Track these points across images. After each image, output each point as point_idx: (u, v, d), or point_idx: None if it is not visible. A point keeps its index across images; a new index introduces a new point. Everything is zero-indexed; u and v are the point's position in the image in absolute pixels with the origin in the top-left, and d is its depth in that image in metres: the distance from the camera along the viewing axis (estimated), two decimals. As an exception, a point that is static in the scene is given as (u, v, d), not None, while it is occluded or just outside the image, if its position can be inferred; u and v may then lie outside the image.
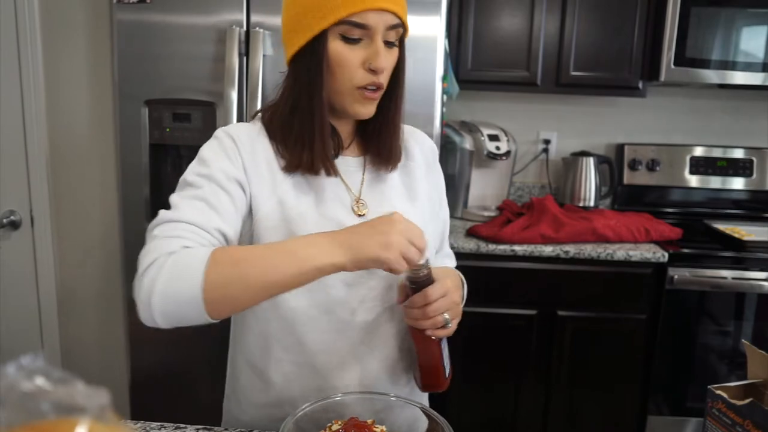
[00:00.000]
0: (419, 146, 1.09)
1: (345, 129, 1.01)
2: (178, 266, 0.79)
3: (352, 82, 0.90)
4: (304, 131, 0.92)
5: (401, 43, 0.94)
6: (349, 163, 1.00)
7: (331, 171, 0.95)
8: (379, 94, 0.93)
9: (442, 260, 1.16)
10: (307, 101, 0.91)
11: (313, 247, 0.80)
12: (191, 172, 0.91)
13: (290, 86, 0.93)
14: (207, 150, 0.93)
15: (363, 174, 1.01)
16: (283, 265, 0.79)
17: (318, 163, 0.93)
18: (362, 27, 0.87)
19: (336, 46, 0.88)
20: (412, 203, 1.03)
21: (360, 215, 0.97)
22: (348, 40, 0.88)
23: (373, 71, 0.89)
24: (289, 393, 0.99)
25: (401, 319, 0.99)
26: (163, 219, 0.85)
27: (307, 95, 0.90)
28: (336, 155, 0.99)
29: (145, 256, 0.84)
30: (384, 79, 0.92)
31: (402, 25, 0.91)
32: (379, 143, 0.99)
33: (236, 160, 0.91)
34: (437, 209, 1.10)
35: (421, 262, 0.85)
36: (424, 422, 0.90)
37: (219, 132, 0.95)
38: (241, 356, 1.03)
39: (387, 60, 0.90)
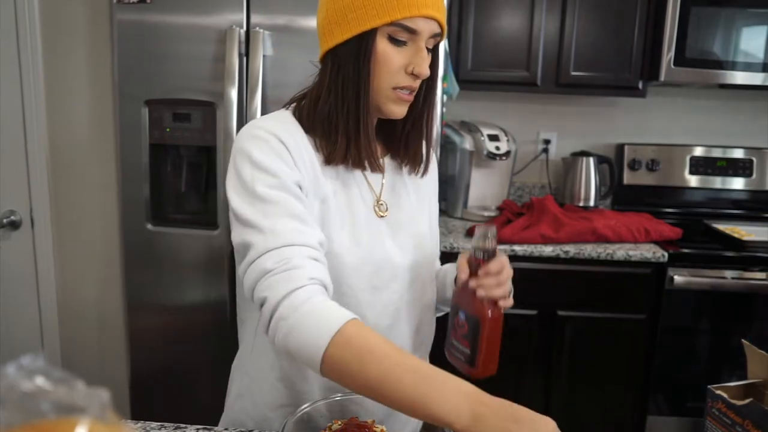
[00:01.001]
0: (434, 167, 1.12)
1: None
2: (306, 328, 0.76)
3: (392, 82, 0.91)
4: (350, 125, 0.92)
5: (435, 50, 0.96)
6: None
7: (376, 167, 0.97)
8: (412, 97, 0.94)
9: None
10: (354, 96, 0.90)
11: (445, 394, 0.72)
12: (261, 184, 0.85)
13: (334, 79, 0.91)
14: (261, 154, 0.87)
15: (383, 175, 1.02)
16: (402, 388, 0.73)
17: (364, 158, 0.94)
18: (411, 31, 0.88)
19: (383, 46, 0.89)
20: (420, 211, 1.06)
21: (381, 216, 1.00)
22: (395, 41, 0.89)
23: (415, 76, 0.90)
24: (311, 394, 0.98)
25: (416, 316, 1.04)
26: (267, 247, 0.81)
27: (353, 90, 0.90)
28: None
29: (270, 290, 0.80)
30: (419, 83, 0.94)
31: (441, 35, 0.93)
32: (407, 146, 1.01)
33: (291, 163, 0.89)
34: (435, 217, 1.15)
35: (491, 232, 0.90)
36: (423, 422, 0.90)
37: (261, 132, 0.89)
38: (265, 360, 1.00)
39: (428, 67, 0.92)
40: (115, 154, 2.10)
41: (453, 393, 0.72)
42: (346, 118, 0.91)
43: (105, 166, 2.22)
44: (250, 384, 1.02)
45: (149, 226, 1.97)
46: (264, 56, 1.83)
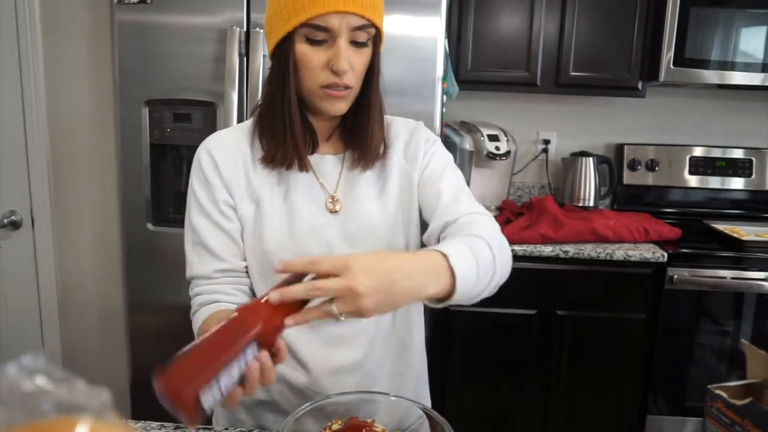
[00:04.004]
0: (405, 140, 1.06)
1: (323, 126, 1.02)
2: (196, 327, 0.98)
3: (317, 81, 0.92)
4: (277, 127, 0.96)
5: (375, 43, 0.94)
6: (327, 160, 1.02)
7: (303, 166, 0.98)
8: (347, 93, 0.93)
9: (459, 205, 1.00)
10: (279, 98, 0.94)
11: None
12: (194, 212, 1.00)
13: (267, 84, 0.97)
14: (195, 180, 1.00)
15: (341, 171, 1.02)
16: None
17: (291, 158, 0.96)
18: (324, 30, 0.88)
19: (301, 48, 0.91)
20: (383, 203, 1.02)
21: (333, 212, 1.00)
22: (312, 41, 0.90)
23: (335, 72, 0.90)
24: (284, 396, 1.02)
25: (395, 324, 1.04)
26: (187, 277, 1.02)
27: (279, 93, 0.94)
28: (312, 151, 1.01)
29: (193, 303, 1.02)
30: (350, 78, 0.92)
31: (371, 25, 0.90)
32: (354, 141, 1.01)
33: (217, 182, 0.98)
34: (412, 204, 1.04)
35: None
36: (423, 422, 0.90)
37: (200, 151, 1.01)
38: None
39: (350, 61, 0.90)
40: (115, 154, 2.10)
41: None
42: (274, 120, 0.96)
43: (105, 166, 2.22)
44: None
45: (149, 226, 1.97)
46: (264, 56, 1.83)
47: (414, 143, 1.06)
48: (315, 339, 1.00)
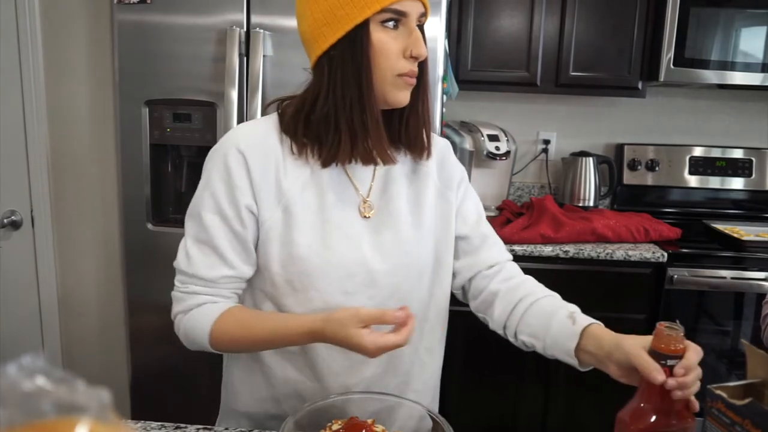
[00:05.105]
0: (439, 159, 1.06)
1: None
2: (190, 333, 0.96)
3: (395, 69, 0.89)
4: (354, 123, 0.90)
5: (422, 30, 0.94)
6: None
7: (388, 158, 0.94)
8: (415, 81, 0.92)
9: (490, 250, 1.08)
10: (357, 90, 0.89)
11: (296, 338, 0.90)
12: (208, 209, 0.94)
13: (333, 80, 0.89)
14: (216, 177, 0.93)
15: (374, 174, 0.99)
16: (268, 345, 0.96)
17: (374, 153, 0.92)
18: (402, 14, 0.88)
19: (378, 35, 0.87)
20: (416, 217, 1.00)
21: (365, 216, 0.97)
22: (388, 28, 0.88)
23: (414, 58, 0.90)
24: (287, 389, 1.00)
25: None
26: (180, 269, 0.97)
27: (356, 86, 0.88)
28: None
29: (173, 304, 0.99)
30: (417, 66, 0.92)
31: (426, 14, 0.92)
32: (408, 133, 0.97)
33: (245, 185, 0.92)
34: (449, 226, 1.05)
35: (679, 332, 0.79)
36: (424, 422, 0.90)
37: (227, 146, 0.93)
38: (246, 355, 1.03)
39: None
40: (115, 154, 2.11)
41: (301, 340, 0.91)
42: (350, 117, 0.89)
43: (105, 166, 2.22)
44: (239, 375, 1.05)
45: (149, 226, 1.97)
46: (264, 56, 1.83)
47: (448, 168, 1.07)
48: (340, 357, 0.97)
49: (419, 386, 1.05)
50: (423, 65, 0.93)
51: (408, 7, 0.87)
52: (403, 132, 0.98)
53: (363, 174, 0.98)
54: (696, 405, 0.80)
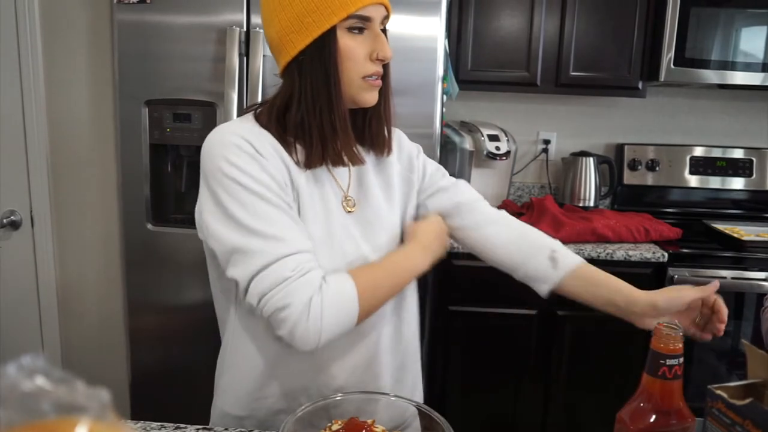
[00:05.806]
0: (397, 144, 1.10)
1: None
2: (335, 308, 0.87)
3: (361, 72, 0.93)
4: (324, 127, 0.92)
5: (385, 31, 0.98)
6: None
7: (356, 159, 0.98)
8: (380, 82, 0.96)
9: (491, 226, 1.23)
10: (326, 96, 0.91)
11: (415, 259, 0.99)
12: (250, 190, 0.87)
13: (303, 85, 0.91)
14: (241, 162, 0.88)
15: (349, 171, 1.02)
16: (403, 281, 0.99)
17: (343, 155, 0.95)
18: (366, 20, 0.91)
19: (345, 40, 0.91)
20: (390, 202, 1.06)
21: (349, 211, 1.00)
22: (354, 33, 0.91)
23: (381, 60, 0.93)
24: (288, 382, 1.00)
25: (394, 314, 1.04)
26: (278, 255, 0.86)
27: (325, 90, 0.91)
28: None
29: (294, 296, 0.85)
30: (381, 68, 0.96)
31: (388, 16, 0.96)
32: (371, 131, 1.02)
33: (268, 167, 0.90)
34: (409, 204, 1.11)
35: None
36: (412, 417, 0.90)
37: (232, 137, 0.90)
38: (242, 356, 1.03)
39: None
40: (115, 154, 2.11)
41: (418, 255, 1.00)
42: (320, 121, 0.92)
43: (105, 166, 2.22)
44: (235, 376, 1.05)
45: (149, 226, 1.97)
46: (264, 56, 1.83)
47: (406, 151, 1.12)
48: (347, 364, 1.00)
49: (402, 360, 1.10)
50: (386, 66, 0.97)
51: (372, 12, 0.91)
52: (367, 131, 1.02)
53: (341, 170, 1.01)
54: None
